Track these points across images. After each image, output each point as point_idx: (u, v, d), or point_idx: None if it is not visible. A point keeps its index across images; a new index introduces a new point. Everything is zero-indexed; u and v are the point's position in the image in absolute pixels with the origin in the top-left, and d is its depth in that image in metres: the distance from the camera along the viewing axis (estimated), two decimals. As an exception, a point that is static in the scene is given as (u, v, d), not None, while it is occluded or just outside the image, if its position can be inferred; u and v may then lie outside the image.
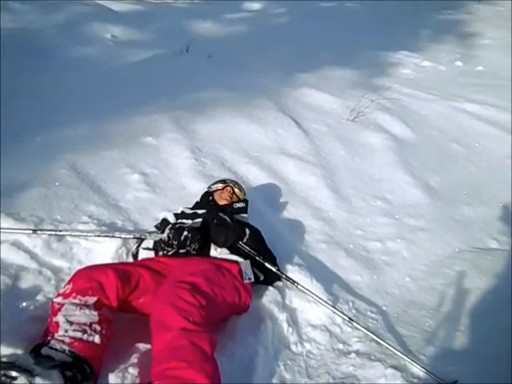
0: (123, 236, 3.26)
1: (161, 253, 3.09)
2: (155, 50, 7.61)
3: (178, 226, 3.09)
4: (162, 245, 3.06)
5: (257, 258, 3.21)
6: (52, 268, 3.07)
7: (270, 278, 3.32)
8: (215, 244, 3.17)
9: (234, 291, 2.87)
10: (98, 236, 3.26)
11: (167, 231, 3.06)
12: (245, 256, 3.18)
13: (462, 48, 11.20)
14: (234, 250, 3.19)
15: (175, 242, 3.02)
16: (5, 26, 6.57)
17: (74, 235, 3.28)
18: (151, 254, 3.15)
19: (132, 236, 3.27)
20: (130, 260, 3.28)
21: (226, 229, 3.18)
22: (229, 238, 3.15)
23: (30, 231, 3.18)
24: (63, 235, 3.26)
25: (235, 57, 7.92)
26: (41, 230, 3.23)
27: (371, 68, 9.04)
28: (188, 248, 3.03)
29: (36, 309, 2.70)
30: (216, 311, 2.63)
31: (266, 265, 3.23)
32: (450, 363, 3.04)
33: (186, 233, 3.02)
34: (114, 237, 3.25)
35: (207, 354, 2.22)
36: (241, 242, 3.21)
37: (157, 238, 3.11)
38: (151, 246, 3.16)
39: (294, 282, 3.30)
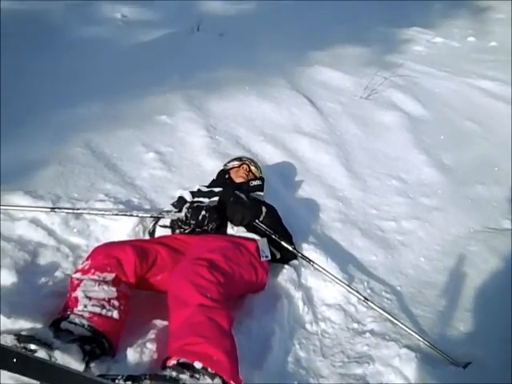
0: (140, 215, 3.28)
1: (178, 231, 3.11)
2: (166, 30, 7.52)
3: (196, 205, 3.10)
4: (180, 223, 3.08)
5: (273, 236, 3.22)
6: (70, 245, 3.08)
7: (286, 257, 3.33)
8: (232, 222, 3.17)
9: (251, 268, 2.88)
10: (116, 215, 3.27)
11: (185, 210, 3.07)
12: (261, 234, 3.19)
13: (474, 23, 11.10)
14: (250, 228, 3.19)
15: (193, 222, 3.03)
16: (13, 7, 6.50)
17: (92, 213, 3.29)
18: (168, 232, 3.16)
19: (149, 215, 3.28)
20: (147, 237, 3.28)
21: (242, 207, 3.18)
22: (245, 216, 3.15)
23: (48, 209, 3.19)
24: (80, 213, 3.27)
25: (247, 35, 7.83)
26: (59, 208, 3.25)
27: (383, 45, 8.96)
28: (205, 227, 3.04)
29: (55, 285, 2.72)
30: (233, 288, 2.64)
31: (283, 243, 3.24)
32: (464, 344, 3.06)
33: (203, 212, 3.03)
34: (131, 215, 3.27)
35: (225, 329, 2.23)
36: (257, 221, 3.22)
37: (174, 217, 3.12)
38: (168, 223, 3.17)
39: (309, 260, 3.30)
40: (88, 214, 3.28)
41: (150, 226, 3.30)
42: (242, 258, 2.84)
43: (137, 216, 3.29)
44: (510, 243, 4.12)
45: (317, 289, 3.32)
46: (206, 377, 2.00)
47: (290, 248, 3.26)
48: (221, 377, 2.03)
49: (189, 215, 3.04)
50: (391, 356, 2.84)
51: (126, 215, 3.27)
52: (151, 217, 3.29)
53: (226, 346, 2.17)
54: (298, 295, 3.16)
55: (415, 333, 2.98)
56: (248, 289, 2.94)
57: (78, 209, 3.28)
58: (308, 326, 3.06)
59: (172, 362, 2.08)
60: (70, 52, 5.91)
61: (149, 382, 1.94)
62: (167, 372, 2.00)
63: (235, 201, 3.25)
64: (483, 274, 3.71)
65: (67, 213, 3.23)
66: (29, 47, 5.73)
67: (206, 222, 3.03)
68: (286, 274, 3.25)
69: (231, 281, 2.59)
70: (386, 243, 4.05)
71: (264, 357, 2.60)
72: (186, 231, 3.08)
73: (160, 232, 3.19)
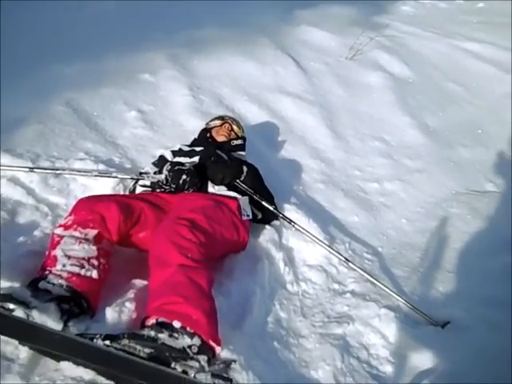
0: (120, 176, 3.25)
1: (158, 190, 3.08)
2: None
3: (176, 168, 3.07)
4: (160, 184, 3.06)
5: (254, 196, 3.21)
6: (49, 204, 3.06)
7: (268, 217, 3.33)
8: (212, 182, 3.16)
9: (232, 228, 2.87)
10: (96, 176, 3.24)
11: (165, 173, 3.05)
12: (243, 193, 3.18)
13: (462, -17, 10.97)
14: (231, 187, 3.18)
15: (173, 185, 3.02)
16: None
17: (72, 174, 3.26)
18: (148, 191, 3.15)
19: (129, 176, 3.26)
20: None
21: (223, 166, 3.18)
22: (226, 175, 3.14)
23: (27, 169, 3.16)
24: (60, 173, 3.24)
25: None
26: (38, 168, 3.21)
27: (370, 4, 8.83)
28: (186, 191, 3.03)
29: (33, 243, 2.69)
30: (215, 248, 2.63)
31: (264, 203, 3.23)
32: (444, 305, 3.10)
33: (184, 176, 3.02)
34: (111, 177, 3.25)
35: (204, 290, 2.22)
36: (238, 181, 3.21)
37: (155, 180, 3.10)
38: (148, 183, 3.15)
39: (290, 221, 3.30)
40: (68, 174, 3.25)
41: (131, 185, 3.28)
42: (223, 217, 2.83)
43: (116, 177, 3.26)
44: (491, 205, 4.17)
45: (298, 250, 3.33)
46: (184, 336, 2.01)
47: (271, 208, 3.25)
48: (200, 336, 2.03)
49: (169, 178, 3.03)
50: (371, 316, 2.88)
51: (105, 176, 3.25)
52: (131, 179, 3.27)
53: (206, 306, 2.17)
54: (278, 256, 3.17)
55: (395, 293, 3.01)
56: (229, 248, 2.93)
57: (57, 169, 3.24)
58: (289, 287, 3.07)
59: (151, 321, 2.08)
60: (52, 8, 5.77)
61: (127, 341, 1.94)
62: (145, 331, 2.00)
63: (216, 160, 3.23)
64: (465, 236, 3.75)
65: (46, 173, 3.20)
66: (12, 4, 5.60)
67: (186, 186, 3.02)
68: (267, 235, 3.26)
69: (213, 240, 2.58)
70: (367, 204, 4.07)
71: (244, 317, 2.61)
72: (167, 191, 3.06)
73: (140, 191, 3.17)
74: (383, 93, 5.85)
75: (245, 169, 3.27)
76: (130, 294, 2.51)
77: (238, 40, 6.00)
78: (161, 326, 2.02)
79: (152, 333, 1.99)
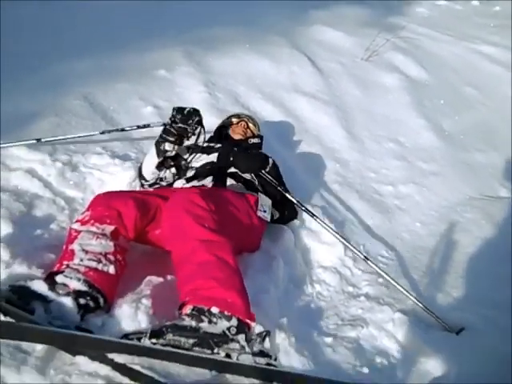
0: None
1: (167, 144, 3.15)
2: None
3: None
4: (168, 128, 3.16)
5: (278, 188, 3.22)
6: (65, 198, 3.07)
7: (289, 213, 3.34)
8: (239, 169, 3.19)
9: (246, 215, 2.87)
10: (123, 130, 3.65)
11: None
12: (264, 193, 3.19)
13: (479, -14, 10.93)
14: (251, 186, 3.18)
15: (178, 117, 3.14)
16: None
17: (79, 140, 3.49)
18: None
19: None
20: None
21: (252, 155, 3.22)
22: (255, 162, 3.18)
23: (35, 141, 3.28)
24: (66, 143, 3.42)
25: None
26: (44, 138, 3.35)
27: (386, 5, 8.86)
28: (191, 129, 3.17)
29: (50, 237, 2.71)
30: (226, 223, 2.54)
31: (287, 195, 3.24)
32: (458, 309, 3.06)
33: (188, 108, 3.19)
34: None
35: (232, 266, 2.25)
36: (263, 171, 3.21)
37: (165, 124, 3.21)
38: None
39: (313, 215, 3.27)
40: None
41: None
42: (239, 202, 2.86)
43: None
44: (506, 211, 4.14)
45: (313, 251, 3.34)
46: (222, 319, 2.06)
47: (295, 201, 3.25)
48: (236, 316, 2.09)
49: (175, 113, 3.16)
50: (385, 320, 2.86)
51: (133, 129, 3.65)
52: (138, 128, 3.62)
53: (237, 284, 2.21)
54: (293, 256, 3.17)
55: (411, 295, 2.98)
56: (241, 234, 2.81)
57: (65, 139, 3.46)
58: (303, 287, 3.07)
59: (188, 308, 2.11)
60: (69, 4, 5.78)
61: (171, 335, 1.99)
62: (187, 322, 2.04)
63: (241, 150, 3.27)
64: (478, 241, 3.72)
65: (53, 144, 3.37)
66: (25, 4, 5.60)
67: (192, 117, 3.16)
68: (282, 235, 3.25)
69: (223, 211, 2.59)
70: (382, 207, 4.06)
71: (258, 316, 2.59)
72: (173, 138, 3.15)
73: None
74: (399, 94, 5.84)
75: (270, 160, 3.30)
76: (146, 291, 2.50)
77: (252, 38, 6.01)
78: (199, 313, 2.07)
79: (193, 323, 2.04)
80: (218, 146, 3.42)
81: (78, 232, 2.39)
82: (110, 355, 1.88)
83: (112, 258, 2.36)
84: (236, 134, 3.71)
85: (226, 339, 2.03)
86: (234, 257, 2.31)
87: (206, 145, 3.44)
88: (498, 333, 2.85)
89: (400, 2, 9.46)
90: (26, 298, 2.05)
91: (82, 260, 2.27)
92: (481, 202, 4.37)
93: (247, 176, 3.24)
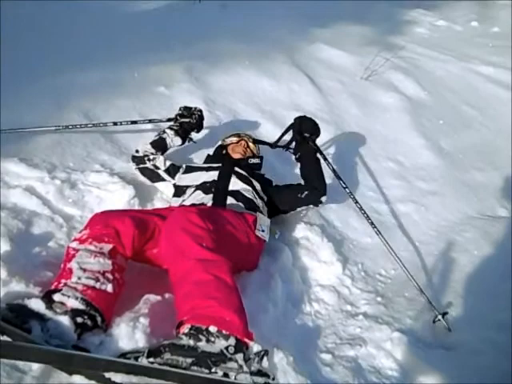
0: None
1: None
2: (168, -1, 7.45)
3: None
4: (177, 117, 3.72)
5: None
6: (64, 215, 3.06)
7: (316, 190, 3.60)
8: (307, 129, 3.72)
9: (244, 234, 2.88)
10: (132, 123, 3.94)
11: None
12: (263, 213, 3.21)
13: (478, 8, 11.00)
14: (250, 205, 3.19)
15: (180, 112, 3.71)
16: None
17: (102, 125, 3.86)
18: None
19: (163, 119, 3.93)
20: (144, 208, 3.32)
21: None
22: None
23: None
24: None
25: (249, 7, 7.73)
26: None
27: (386, 25, 8.90)
28: (194, 121, 3.69)
29: (48, 255, 2.70)
30: (224, 242, 2.57)
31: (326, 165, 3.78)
32: (455, 328, 3.07)
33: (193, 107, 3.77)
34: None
35: (230, 285, 2.26)
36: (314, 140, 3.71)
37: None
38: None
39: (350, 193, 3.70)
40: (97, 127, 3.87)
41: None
42: (237, 221, 2.87)
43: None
44: (505, 231, 4.13)
45: (311, 269, 3.35)
46: (220, 338, 2.06)
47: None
48: (234, 335, 2.09)
49: (182, 108, 3.74)
50: (383, 339, 2.87)
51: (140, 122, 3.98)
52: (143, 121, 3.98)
53: (235, 302, 2.21)
54: (292, 275, 3.18)
55: (424, 294, 3.13)
56: (239, 253, 2.82)
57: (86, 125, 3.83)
58: (301, 306, 3.07)
59: (186, 327, 2.11)
60: (72, 15, 5.79)
61: (169, 354, 1.99)
62: (184, 341, 2.04)
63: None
64: (477, 261, 3.71)
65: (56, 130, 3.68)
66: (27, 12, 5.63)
67: (196, 112, 3.70)
68: (281, 254, 3.26)
69: (221, 230, 2.61)
70: (381, 225, 4.02)
71: (257, 335, 2.58)
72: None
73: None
74: (398, 113, 5.86)
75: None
76: (144, 309, 2.50)
77: (252, 55, 6.04)
78: (197, 332, 2.07)
79: (191, 342, 2.04)
80: (218, 165, 3.43)
81: (76, 250, 2.39)
82: (107, 374, 1.86)
83: (110, 276, 2.36)
84: (236, 153, 3.72)
85: (223, 358, 2.02)
86: (232, 276, 2.31)
87: (206, 165, 3.47)
88: (497, 352, 2.85)
89: (400, 22, 9.56)
90: (23, 317, 2.04)
91: (79, 278, 2.27)
92: (480, 221, 4.35)
93: (249, 195, 3.26)
